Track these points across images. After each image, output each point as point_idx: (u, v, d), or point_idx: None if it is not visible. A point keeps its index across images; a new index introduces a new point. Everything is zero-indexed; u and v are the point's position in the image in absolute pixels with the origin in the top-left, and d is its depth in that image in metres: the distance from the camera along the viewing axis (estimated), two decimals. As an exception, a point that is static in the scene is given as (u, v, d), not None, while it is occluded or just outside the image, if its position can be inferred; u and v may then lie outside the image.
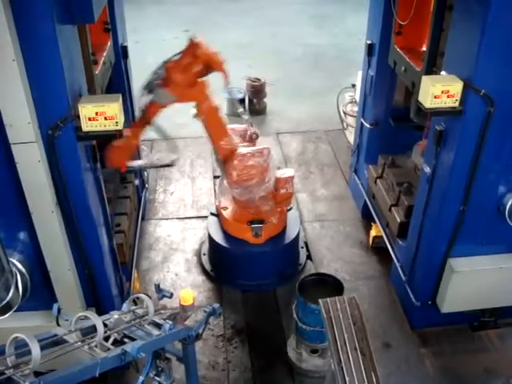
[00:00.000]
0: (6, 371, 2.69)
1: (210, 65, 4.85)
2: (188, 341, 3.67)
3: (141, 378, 3.69)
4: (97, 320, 3.09)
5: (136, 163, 5.38)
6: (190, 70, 4.80)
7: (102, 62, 5.10)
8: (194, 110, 5.19)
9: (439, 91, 4.15)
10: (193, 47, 4.76)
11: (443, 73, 4.46)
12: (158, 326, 3.42)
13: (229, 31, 13.90)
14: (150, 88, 4.85)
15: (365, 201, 7.03)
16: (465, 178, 4.51)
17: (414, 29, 5.46)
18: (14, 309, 3.93)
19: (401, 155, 6.41)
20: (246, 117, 5.83)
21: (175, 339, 3.60)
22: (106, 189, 4.78)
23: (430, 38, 4.96)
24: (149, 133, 9.19)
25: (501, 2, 3.75)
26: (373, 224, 6.73)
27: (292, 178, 5.89)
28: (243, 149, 5.55)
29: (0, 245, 3.47)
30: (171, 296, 3.77)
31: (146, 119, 5.03)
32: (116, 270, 5.05)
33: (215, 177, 8.04)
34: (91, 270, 4.51)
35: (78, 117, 3.78)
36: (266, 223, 5.96)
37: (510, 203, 4.64)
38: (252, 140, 5.76)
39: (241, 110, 5.76)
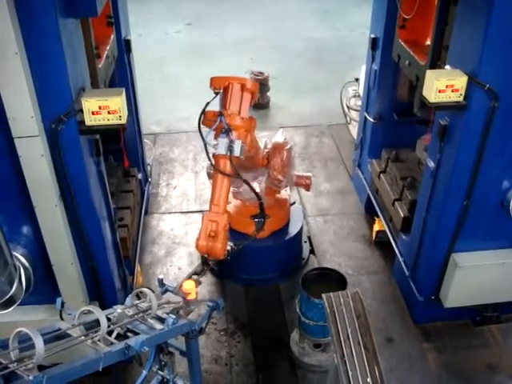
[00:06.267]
0: (10, 365, 2.69)
1: (254, 93, 4.33)
2: (191, 335, 3.67)
3: (144, 373, 3.70)
4: (100, 314, 3.09)
5: None
6: (244, 109, 4.20)
7: (105, 55, 5.08)
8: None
9: (444, 85, 4.13)
10: (237, 83, 4.18)
11: (447, 67, 4.45)
12: (162, 320, 3.43)
13: (231, 26, 13.87)
14: (226, 148, 4.10)
15: (368, 195, 7.02)
16: (468, 173, 4.50)
17: (418, 22, 5.43)
18: (18, 303, 3.93)
19: (404, 149, 6.41)
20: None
21: (178, 333, 3.60)
22: (109, 183, 4.78)
23: (434, 31, 4.93)
24: (151, 127, 9.27)
25: (506, -5, 3.74)
26: (376, 218, 6.72)
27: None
28: (271, 144, 5.61)
29: (3, 239, 3.47)
30: (174, 290, 3.77)
31: (229, 183, 4.34)
32: (119, 264, 5.05)
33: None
34: (94, 263, 4.52)
35: (81, 111, 3.77)
36: (269, 217, 5.95)
37: (513, 198, 4.63)
38: None
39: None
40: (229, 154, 4.06)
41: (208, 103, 4.09)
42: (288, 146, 5.62)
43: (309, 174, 6.15)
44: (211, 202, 4.28)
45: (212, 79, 4.16)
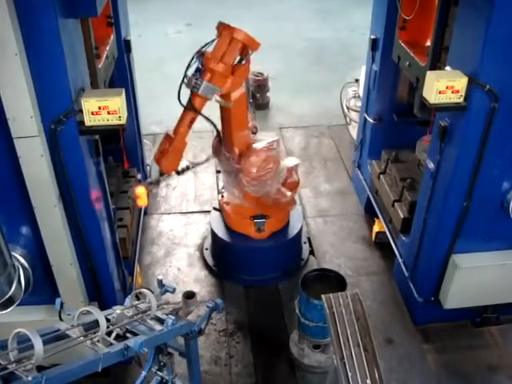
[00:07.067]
0: (9, 366, 2.69)
1: (248, 46, 4.68)
2: (191, 336, 3.67)
3: (143, 373, 3.70)
4: (99, 315, 3.09)
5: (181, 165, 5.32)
6: (230, 56, 4.63)
7: (104, 55, 5.08)
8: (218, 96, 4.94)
9: (444, 87, 4.13)
10: (232, 31, 4.59)
11: (448, 68, 4.44)
12: (161, 321, 3.43)
13: (231, 25, 13.84)
14: (192, 84, 4.60)
15: (368, 196, 7.01)
16: (468, 174, 4.50)
17: (419, 23, 5.42)
18: (17, 303, 3.93)
19: (404, 150, 6.41)
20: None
21: (178, 334, 3.60)
22: (108, 183, 4.78)
23: (435, 32, 4.93)
24: (151, 127, 9.26)
25: (506, -4, 3.74)
26: (376, 219, 6.71)
27: (297, 166, 5.88)
28: (256, 144, 5.51)
29: (3, 239, 3.47)
30: (174, 291, 3.77)
31: (192, 116, 4.83)
32: (118, 265, 5.05)
33: (218, 171, 8.03)
34: (94, 264, 4.51)
35: (81, 111, 3.76)
36: (268, 218, 5.95)
37: (513, 199, 4.62)
38: (253, 133, 5.70)
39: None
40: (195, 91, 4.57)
41: (207, 44, 4.62)
42: (268, 155, 5.46)
43: (289, 194, 5.86)
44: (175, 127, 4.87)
45: (218, 24, 4.65)
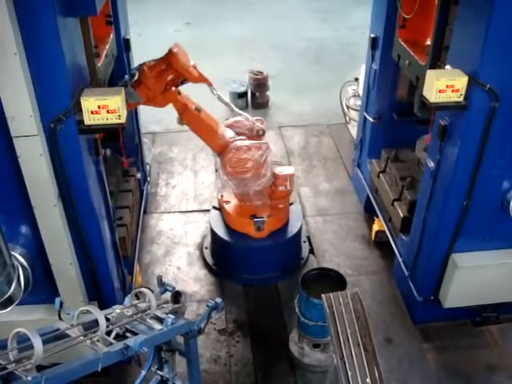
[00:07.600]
0: (9, 366, 2.69)
1: (184, 76, 4.90)
2: (190, 335, 3.67)
3: (143, 373, 3.70)
4: (99, 314, 3.08)
5: None
6: (162, 76, 4.84)
7: (104, 54, 5.07)
8: (178, 118, 5.30)
9: (444, 85, 4.12)
10: (170, 56, 4.77)
11: (448, 67, 4.44)
12: (161, 320, 3.43)
13: (231, 25, 13.85)
14: (124, 85, 4.76)
15: (367, 195, 7.01)
16: (468, 173, 4.49)
17: (419, 22, 5.41)
18: (16, 303, 3.92)
19: (404, 149, 6.41)
20: (245, 115, 5.80)
21: (177, 333, 3.60)
22: (108, 182, 4.77)
23: (435, 31, 4.92)
24: (151, 126, 9.24)
25: (506, -5, 3.73)
26: (375, 218, 6.71)
27: (292, 175, 5.82)
28: (241, 141, 5.52)
29: (2, 239, 3.47)
30: (173, 290, 3.76)
31: None
32: (118, 264, 5.04)
33: (217, 170, 8.02)
34: (93, 263, 4.51)
35: (81, 110, 3.76)
36: (268, 217, 5.94)
37: (513, 198, 4.62)
38: (259, 136, 5.72)
39: (236, 110, 5.72)
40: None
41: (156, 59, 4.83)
42: (250, 156, 5.47)
43: (265, 200, 5.92)
44: None
45: (173, 47, 4.86)
